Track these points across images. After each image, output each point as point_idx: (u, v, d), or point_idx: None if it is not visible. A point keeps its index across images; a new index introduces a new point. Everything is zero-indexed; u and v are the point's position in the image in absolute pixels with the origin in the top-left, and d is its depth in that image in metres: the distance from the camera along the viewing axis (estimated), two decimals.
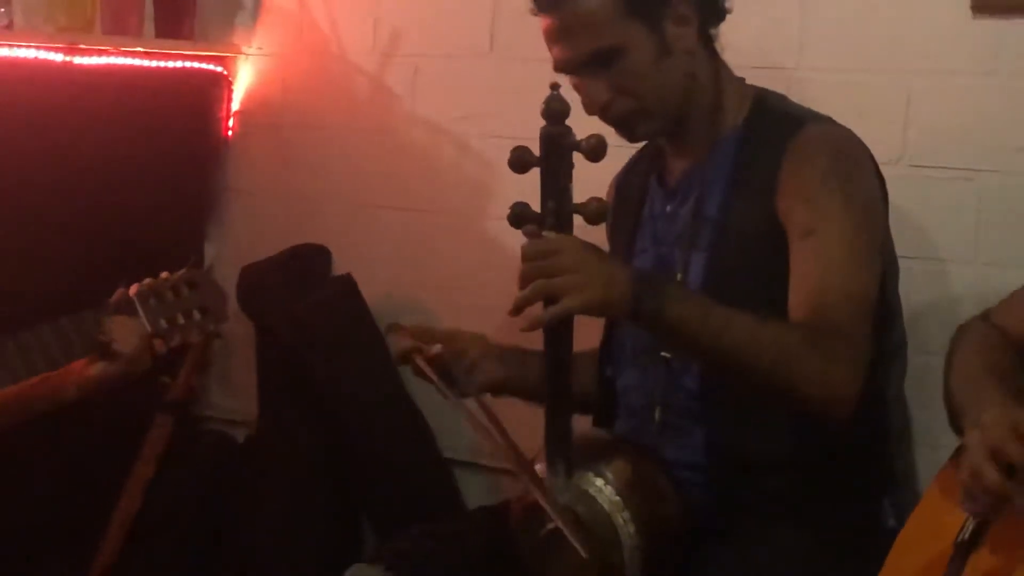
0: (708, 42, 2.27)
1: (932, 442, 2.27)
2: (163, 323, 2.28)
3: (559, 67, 2.21)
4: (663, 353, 2.22)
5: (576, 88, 2.22)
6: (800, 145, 2.17)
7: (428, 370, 2.22)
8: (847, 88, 2.56)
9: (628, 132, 2.27)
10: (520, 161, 1.94)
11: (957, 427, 1.91)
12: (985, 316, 2.08)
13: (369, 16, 3.15)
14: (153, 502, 2.91)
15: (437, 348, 2.27)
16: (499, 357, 2.36)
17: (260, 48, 3.32)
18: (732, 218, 2.20)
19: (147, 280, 2.30)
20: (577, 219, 1.98)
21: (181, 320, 2.31)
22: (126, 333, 2.24)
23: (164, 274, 2.32)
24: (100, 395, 2.30)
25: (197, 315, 2.33)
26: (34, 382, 2.24)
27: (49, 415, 2.31)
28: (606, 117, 2.22)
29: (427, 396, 2.96)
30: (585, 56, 2.18)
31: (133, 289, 2.29)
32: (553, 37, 2.21)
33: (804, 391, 2.02)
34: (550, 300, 1.94)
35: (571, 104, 1.93)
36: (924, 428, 2.35)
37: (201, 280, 2.35)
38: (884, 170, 2.24)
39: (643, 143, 2.41)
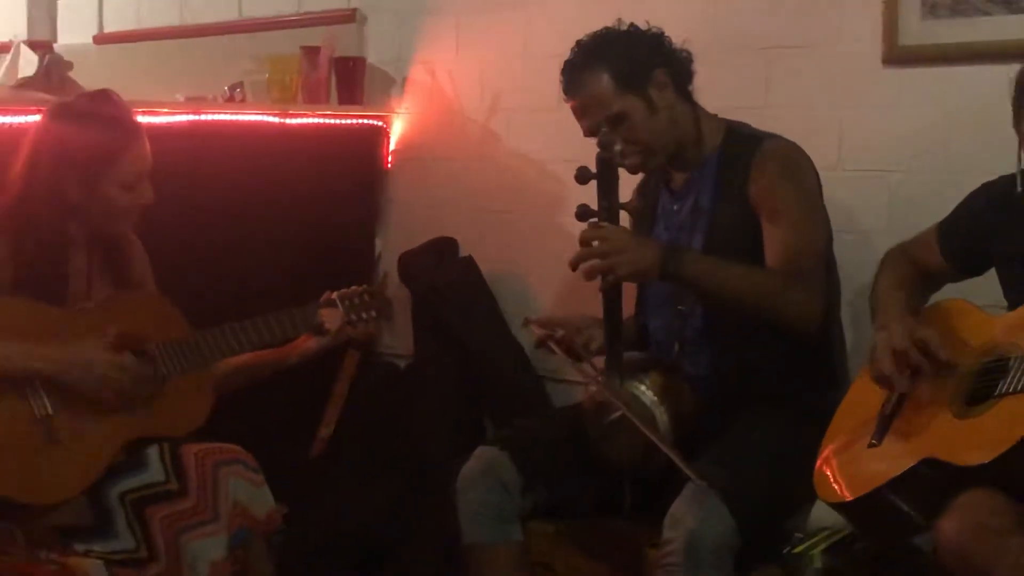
0: (686, 95, 2.25)
1: (860, 351, 2.24)
2: (353, 316, 2.35)
3: (586, 133, 2.20)
4: (680, 307, 2.24)
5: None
6: (762, 155, 2.19)
7: (558, 350, 2.19)
8: (800, 119, 2.53)
9: (641, 169, 2.28)
10: (582, 176, 2.01)
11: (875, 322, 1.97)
12: (901, 245, 2.12)
13: (478, 85, 3.16)
14: (347, 409, 2.96)
15: (561, 333, 2.21)
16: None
17: (407, 109, 3.30)
18: (719, 209, 2.21)
19: (344, 289, 2.37)
20: (622, 212, 2.04)
21: (364, 316, 2.37)
22: (333, 318, 2.33)
23: (355, 287, 2.38)
24: (311, 363, 2.36)
25: (374, 314, 2.38)
26: (270, 351, 2.31)
27: (279, 374, 2.37)
28: (622, 161, 2.15)
29: (525, 336, 2.98)
30: (599, 123, 2.17)
31: (336, 294, 2.36)
32: (577, 113, 2.21)
33: (787, 315, 2.07)
34: (606, 273, 2.00)
35: (616, 137, 2.00)
36: (854, 340, 2.35)
37: (378, 292, 2.40)
38: (825, 173, 2.26)
39: None
